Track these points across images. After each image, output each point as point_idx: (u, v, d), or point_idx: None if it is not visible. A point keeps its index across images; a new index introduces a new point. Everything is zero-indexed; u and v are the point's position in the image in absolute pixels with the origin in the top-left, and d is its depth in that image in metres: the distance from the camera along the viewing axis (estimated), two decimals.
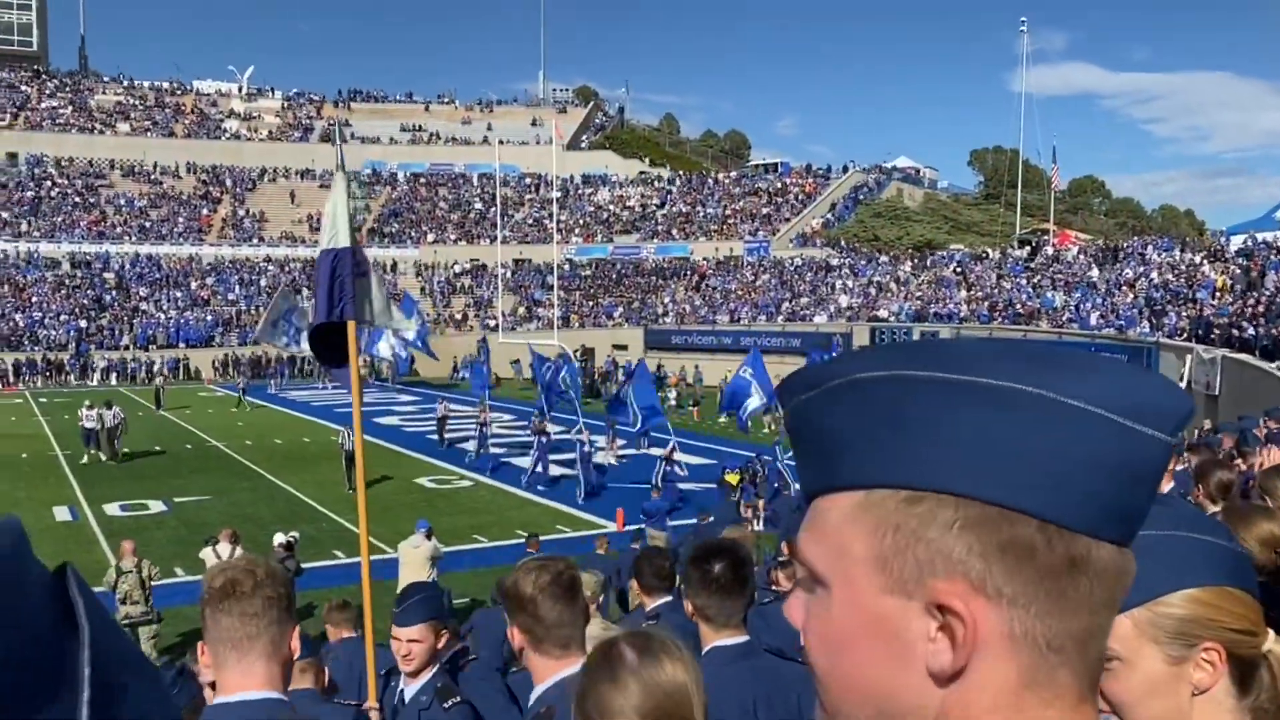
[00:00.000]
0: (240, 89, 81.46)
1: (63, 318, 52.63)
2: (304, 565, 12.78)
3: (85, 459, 25.56)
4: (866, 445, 0.65)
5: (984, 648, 0.62)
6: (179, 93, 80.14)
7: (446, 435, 28.52)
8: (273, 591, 2.03)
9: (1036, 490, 0.61)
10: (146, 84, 80.00)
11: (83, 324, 52.35)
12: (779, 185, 69.63)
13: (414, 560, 12.25)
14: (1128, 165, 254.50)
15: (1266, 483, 3.64)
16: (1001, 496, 0.62)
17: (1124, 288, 35.49)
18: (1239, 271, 31.76)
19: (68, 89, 77.21)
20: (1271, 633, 1.19)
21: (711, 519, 16.03)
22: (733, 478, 17.46)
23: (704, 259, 61.14)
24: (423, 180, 74.40)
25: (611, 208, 71.25)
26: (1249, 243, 35.04)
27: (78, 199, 64.81)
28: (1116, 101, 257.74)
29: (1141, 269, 36.66)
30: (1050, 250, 43.94)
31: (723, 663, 2.72)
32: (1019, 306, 37.77)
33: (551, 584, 2.43)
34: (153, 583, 11.70)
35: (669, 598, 4.19)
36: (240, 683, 2.01)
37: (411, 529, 18.20)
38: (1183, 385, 15.26)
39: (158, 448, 28.11)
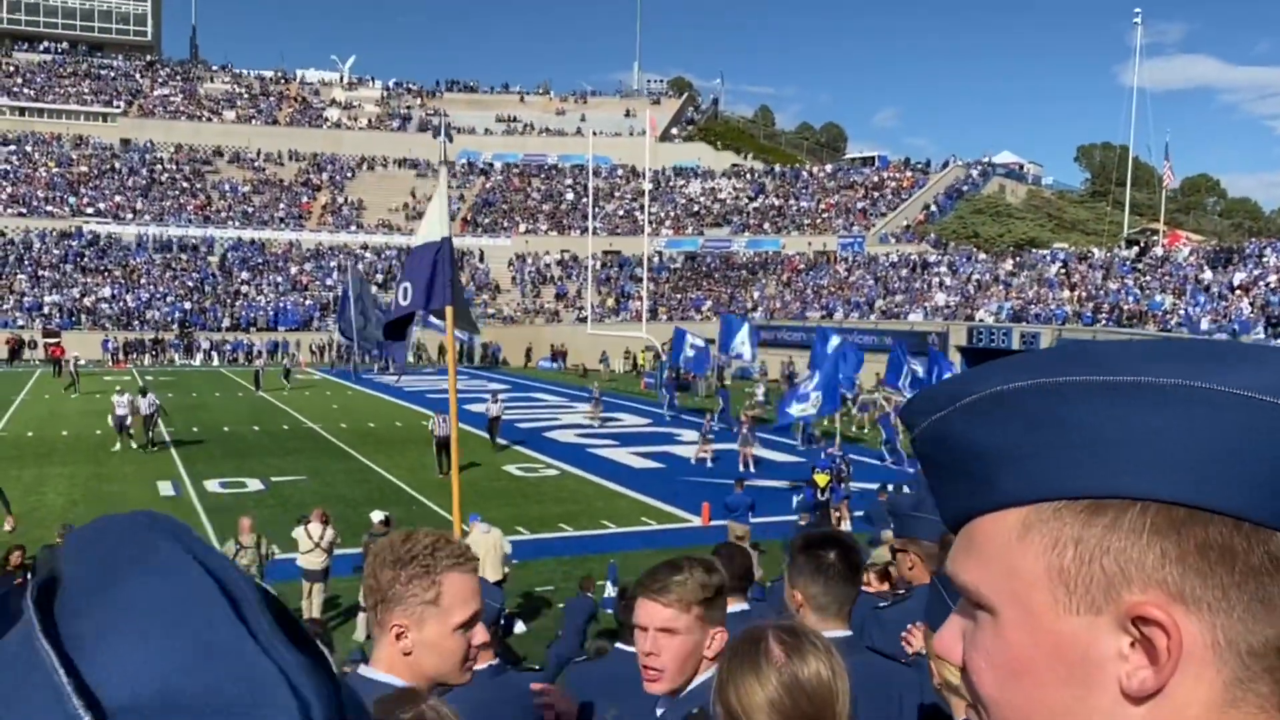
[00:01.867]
0: (341, 79, 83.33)
1: (169, 299, 54.52)
2: None
3: (117, 446, 24.40)
4: (1027, 458, 0.62)
5: (1187, 660, 0.58)
6: (283, 82, 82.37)
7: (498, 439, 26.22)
8: (381, 570, 1.89)
9: (1226, 487, 0.58)
10: (252, 73, 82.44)
11: (187, 306, 54.15)
12: (875, 179, 68.43)
13: (486, 546, 12.27)
14: (1246, 163, 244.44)
15: None
16: (1192, 496, 0.58)
17: (1237, 291, 33.94)
18: None
19: (179, 78, 79.95)
20: None
21: (808, 520, 15.76)
22: (822, 478, 17.07)
23: (796, 253, 60.42)
24: (516, 170, 75.11)
25: (703, 200, 70.93)
26: None
27: (185, 184, 67.05)
28: (1235, 96, 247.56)
29: (1257, 272, 35.01)
30: (1159, 251, 42.28)
31: None
32: (1125, 308, 36.41)
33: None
34: (269, 560, 11.97)
35: (745, 605, 3.97)
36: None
37: (498, 517, 18.38)
38: None
39: (255, 428, 28.85)
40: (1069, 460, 0.60)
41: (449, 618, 1.83)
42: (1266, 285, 33.29)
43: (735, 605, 4.02)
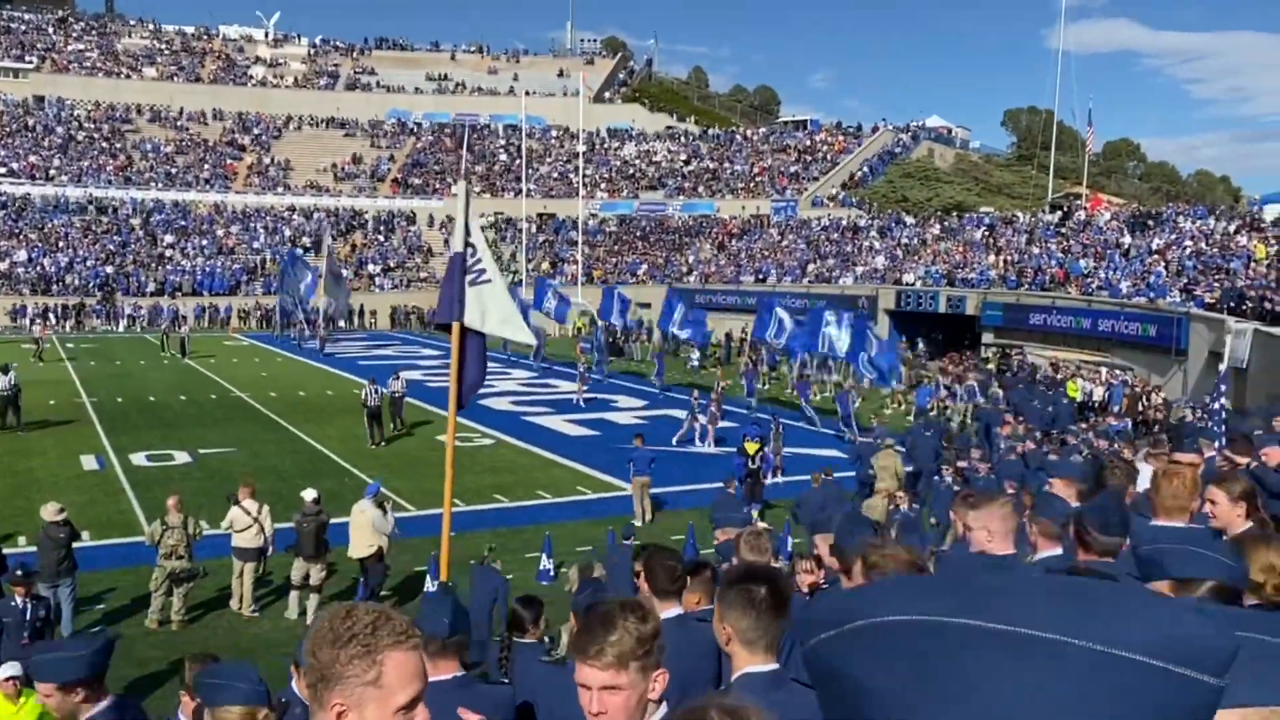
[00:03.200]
0: (266, 35, 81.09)
1: (89, 263, 52.96)
2: (331, 521, 12.86)
3: None
4: (892, 701, 0.60)
5: None
6: (205, 38, 79.88)
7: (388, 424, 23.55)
8: (319, 650, 1.81)
9: None
10: (173, 28, 79.77)
11: (108, 270, 52.68)
12: (808, 143, 68.84)
13: (360, 524, 12.29)
14: (1166, 127, 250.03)
15: None
16: None
17: (1155, 256, 34.97)
18: (1274, 242, 31.21)
19: (94, 32, 77.07)
20: None
21: (735, 488, 16.03)
22: (751, 446, 17.33)
23: (730, 217, 60.71)
24: (447, 131, 74.03)
25: (637, 163, 70.73)
26: None
27: (104, 144, 64.92)
28: (1157, 61, 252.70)
29: (1174, 237, 36.08)
30: (1082, 215, 43.30)
31: (756, 690, 2.66)
32: (1047, 272, 37.30)
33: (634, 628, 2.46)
34: (198, 539, 11.84)
35: (678, 609, 4.08)
36: None
37: (431, 488, 18.38)
38: (1223, 365, 14.89)
39: (182, 397, 28.35)
40: (928, 711, 0.59)
41: (391, 699, 1.74)
42: (1182, 250, 34.33)
43: (669, 610, 4.13)
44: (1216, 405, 11.70)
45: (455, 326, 8.37)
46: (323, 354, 38.87)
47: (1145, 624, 0.58)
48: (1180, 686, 0.57)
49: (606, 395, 30.79)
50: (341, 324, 47.70)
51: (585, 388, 29.66)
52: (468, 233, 8.34)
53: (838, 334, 28.53)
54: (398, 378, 24.54)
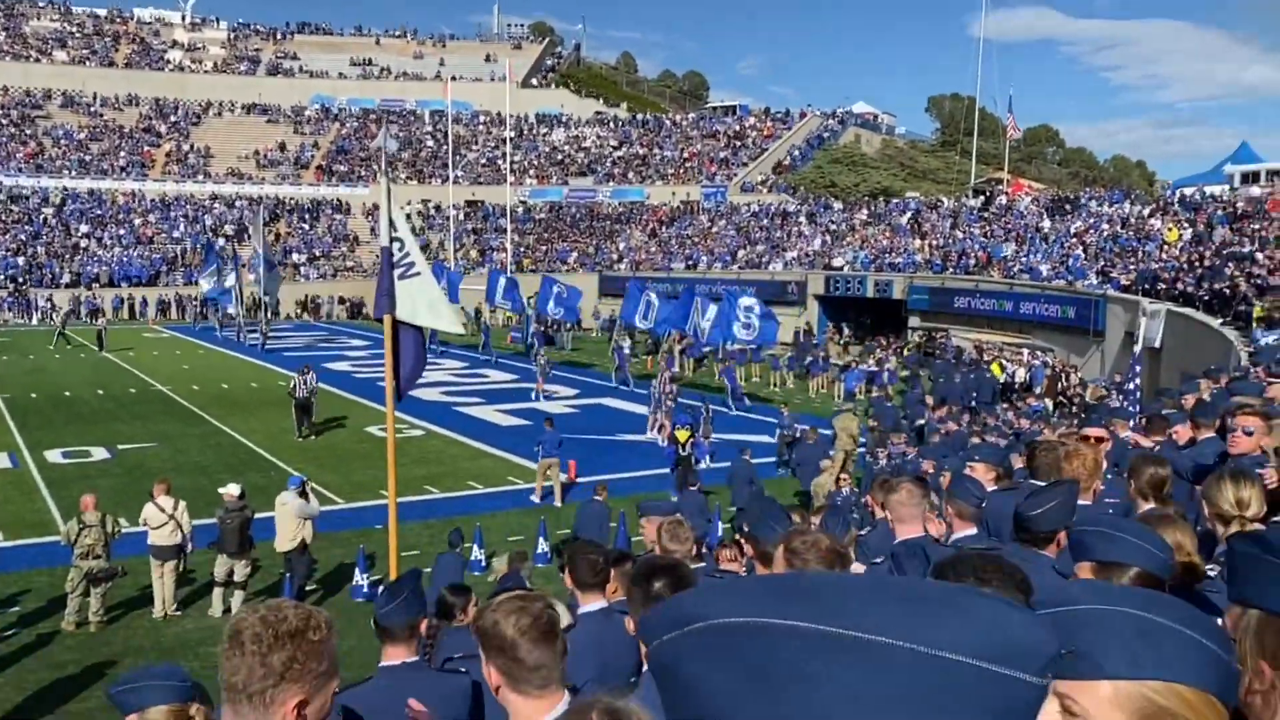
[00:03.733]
0: (184, 18, 78.84)
1: (0, 254, 51.13)
2: (255, 515, 12.60)
3: None
4: (731, 704, 0.61)
5: None
6: (119, 20, 77.37)
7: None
8: (272, 653, 1.88)
9: None
10: (84, 10, 77.11)
11: (20, 261, 50.92)
12: (737, 129, 69.14)
13: (284, 516, 12.12)
14: (1085, 114, 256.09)
15: (1208, 491, 3.63)
16: None
17: (1074, 239, 35.87)
18: (1187, 225, 32.22)
19: (1, 14, 74.18)
20: None
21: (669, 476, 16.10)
22: (682, 434, 17.38)
23: (661, 204, 60.76)
24: (373, 117, 72.83)
25: (566, 149, 70.39)
26: (1196, 196, 35.52)
27: (13, 130, 62.63)
28: (1076, 48, 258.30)
29: (1092, 221, 37.04)
30: (1004, 200, 44.22)
31: None
32: (972, 256, 38.05)
33: (532, 625, 2.43)
34: (116, 538, 11.50)
35: (602, 603, 4.09)
36: None
37: (361, 480, 18.17)
38: (1137, 346, 15.35)
39: (100, 391, 27.56)
40: (766, 713, 0.60)
41: (333, 683, 1.95)
42: (1100, 233, 35.26)
43: (592, 603, 4.14)
44: (1130, 385, 12.03)
45: (388, 320, 8.43)
46: (264, 350, 36.58)
47: (971, 625, 0.59)
48: (1004, 687, 0.59)
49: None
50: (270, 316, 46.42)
51: (544, 384, 28.35)
52: (393, 227, 8.40)
53: (703, 318, 29.07)
54: (306, 373, 22.47)
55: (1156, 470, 4.77)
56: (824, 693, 0.59)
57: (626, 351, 32.03)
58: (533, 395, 27.86)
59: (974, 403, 24.28)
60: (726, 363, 29.13)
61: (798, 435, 19.08)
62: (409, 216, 62.54)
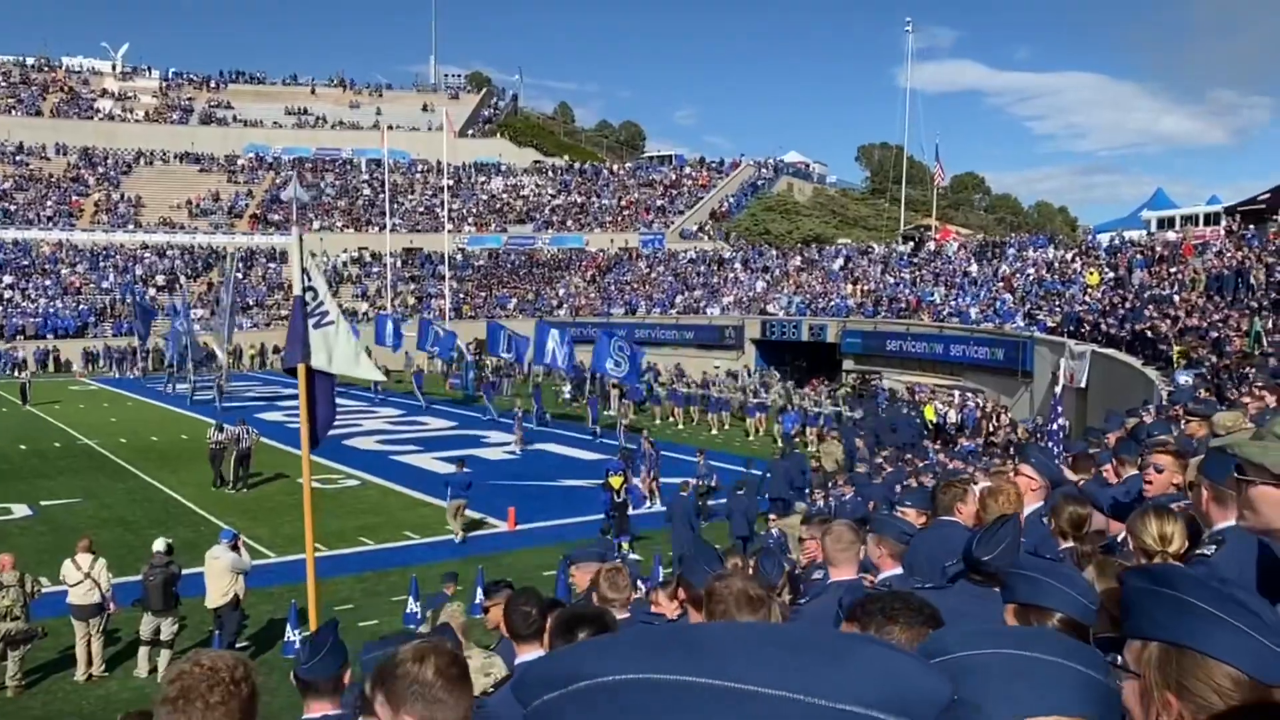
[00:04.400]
0: (114, 67, 77.89)
1: None
2: (183, 571, 12.31)
3: None
4: None
5: None
6: (47, 69, 76.19)
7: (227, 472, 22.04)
8: (231, 700, 1.90)
9: None
10: (10, 58, 75.79)
11: None
12: (674, 177, 70.02)
13: (215, 571, 11.89)
14: (1009, 162, 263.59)
15: (1132, 526, 3.69)
16: None
17: (1001, 283, 36.81)
18: (1108, 269, 33.26)
19: None
20: None
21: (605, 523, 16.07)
22: (615, 480, 17.36)
23: (599, 250, 61.14)
24: (308, 165, 72.41)
25: (505, 197, 70.61)
26: (1116, 240, 36.73)
27: None
28: (999, 99, 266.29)
29: (1018, 265, 38.07)
30: (932, 246, 45.27)
31: None
32: (903, 300, 38.82)
33: (445, 669, 2.39)
34: (36, 598, 11.14)
35: (539, 651, 4.06)
36: None
37: (292, 533, 17.83)
38: (1058, 386, 15.76)
39: (22, 446, 26.77)
40: None
41: None
42: (1026, 277, 36.24)
43: (529, 653, 4.09)
44: (1054, 426, 12.33)
45: (301, 369, 8.43)
46: (220, 406, 33.09)
47: (864, 675, 0.58)
48: None
49: (475, 431, 30.48)
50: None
51: (522, 436, 27.60)
52: (307, 276, 8.47)
53: (559, 349, 33.03)
54: (242, 424, 22.45)
55: (1075, 510, 4.82)
56: None
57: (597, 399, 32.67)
58: (513, 449, 27.09)
59: (900, 444, 24.68)
60: (593, 394, 32.53)
61: (713, 484, 19.18)
62: (346, 263, 62.10)
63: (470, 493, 17.97)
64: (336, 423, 32.55)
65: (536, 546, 17.20)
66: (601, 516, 17.73)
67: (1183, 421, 9.32)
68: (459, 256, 61.68)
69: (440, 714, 2.40)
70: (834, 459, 18.88)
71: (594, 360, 32.04)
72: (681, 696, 0.58)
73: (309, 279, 8.49)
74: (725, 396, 34.09)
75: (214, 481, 21.75)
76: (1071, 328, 28.53)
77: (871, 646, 0.62)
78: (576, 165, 75.03)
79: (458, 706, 2.39)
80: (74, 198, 63.63)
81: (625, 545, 16.14)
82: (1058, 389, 14.03)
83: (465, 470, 18.28)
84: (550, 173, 73.88)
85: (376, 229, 62.92)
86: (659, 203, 66.17)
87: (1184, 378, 17.69)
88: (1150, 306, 26.60)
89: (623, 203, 67.31)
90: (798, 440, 28.37)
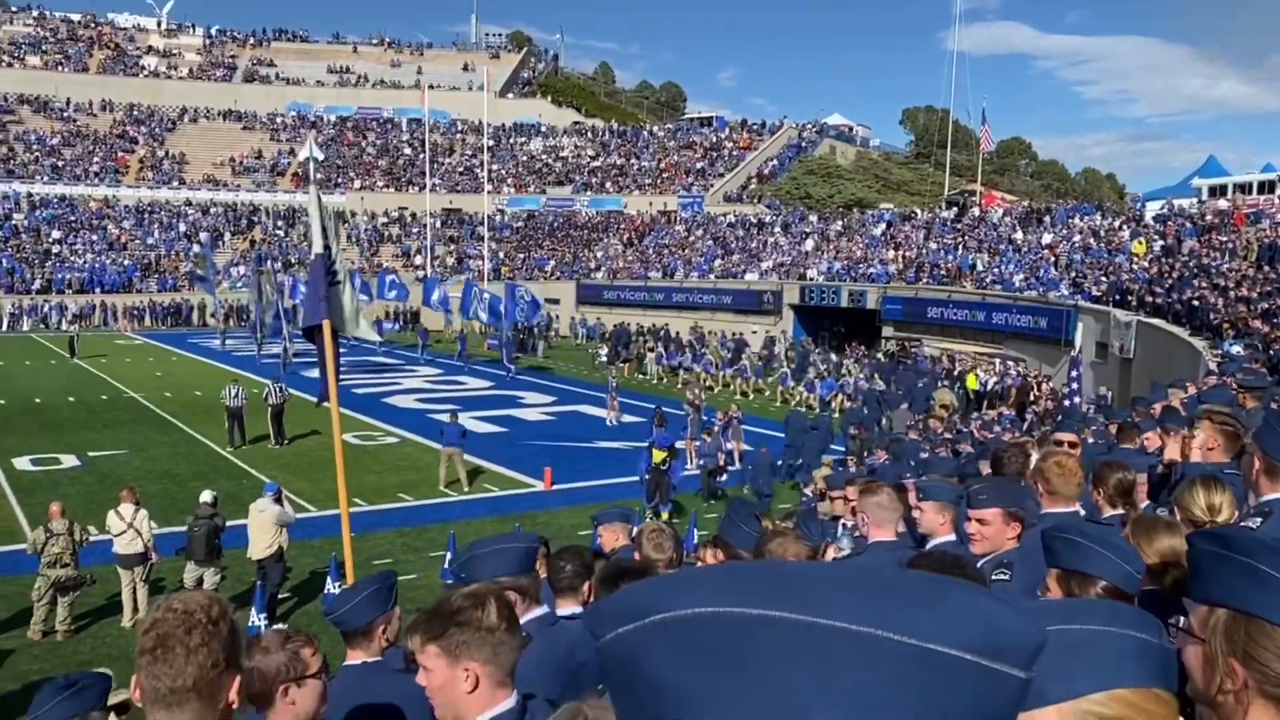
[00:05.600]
0: (159, 24, 78.38)
1: None
2: (227, 523, 12.53)
3: None
4: (703, 701, 0.57)
5: None
6: (93, 26, 76.83)
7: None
8: (212, 640, 1.89)
9: None
10: (58, 15, 76.53)
11: None
12: (714, 139, 69.42)
13: (260, 523, 12.04)
14: (1057, 127, 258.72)
15: (1180, 497, 3.62)
16: None
17: (1046, 251, 36.22)
18: (1156, 237, 32.61)
19: None
20: None
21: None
22: (659, 455, 17.24)
23: (638, 213, 60.90)
24: (350, 124, 72.65)
25: (544, 158, 70.44)
26: (1165, 209, 35.96)
27: None
28: (1048, 63, 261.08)
29: (1064, 233, 37.43)
30: (976, 212, 44.61)
31: None
32: (944, 267, 38.34)
33: (505, 613, 2.42)
34: (84, 546, 11.41)
35: (576, 606, 4.04)
36: None
37: (333, 488, 18.04)
38: (1116, 350, 15.41)
39: (71, 399, 27.29)
40: (744, 710, 0.57)
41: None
42: (1071, 245, 35.63)
43: (568, 607, 4.08)
44: (1075, 400, 12.05)
45: (326, 326, 8.47)
46: (261, 361, 33.07)
47: (956, 618, 0.57)
48: (989, 680, 0.57)
49: (513, 392, 30.64)
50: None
51: (617, 406, 25.94)
52: (325, 234, 8.48)
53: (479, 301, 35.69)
54: (279, 385, 22.38)
55: (1123, 475, 4.68)
56: (802, 687, 0.56)
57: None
58: (608, 421, 25.58)
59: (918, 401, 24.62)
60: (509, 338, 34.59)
61: (721, 464, 18.77)
62: (385, 223, 62.41)
63: (465, 441, 18.75)
64: (377, 381, 32.89)
65: (573, 506, 17.30)
66: (636, 480, 17.68)
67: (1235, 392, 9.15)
68: (498, 218, 61.73)
69: (504, 658, 2.40)
70: (946, 406, 18.78)
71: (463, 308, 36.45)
72: (766, 631, 0.57)
73: (327, 235, 8.52)
74: (758, 365, 33.87)
75: (230, 440, 21.54)
76: (1117, 297, 28.06)
77: (964, 590, 0.60)
78: (616, 127, 74.63)
79: (516, 649, 2.40)
80: (119, 154, 64.32)
81: (665, 515, 16.18)
82: (1075, 354, 13.78)
83: (458, 422, 19.07)
84: (590, 134, 73.55)
85: (416, 189, 63.10)
86: (698, 165, 65.69)
87: (1234, 348, 17.37)
88: (1199, 276, 26.07)
89: (662, 165, 66.90)
90: (834, 406, 28.28)
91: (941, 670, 0.56)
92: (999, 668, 0.57)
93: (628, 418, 25.70)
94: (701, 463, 18.80)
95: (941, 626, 0.57)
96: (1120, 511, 4.63)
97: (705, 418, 22.51)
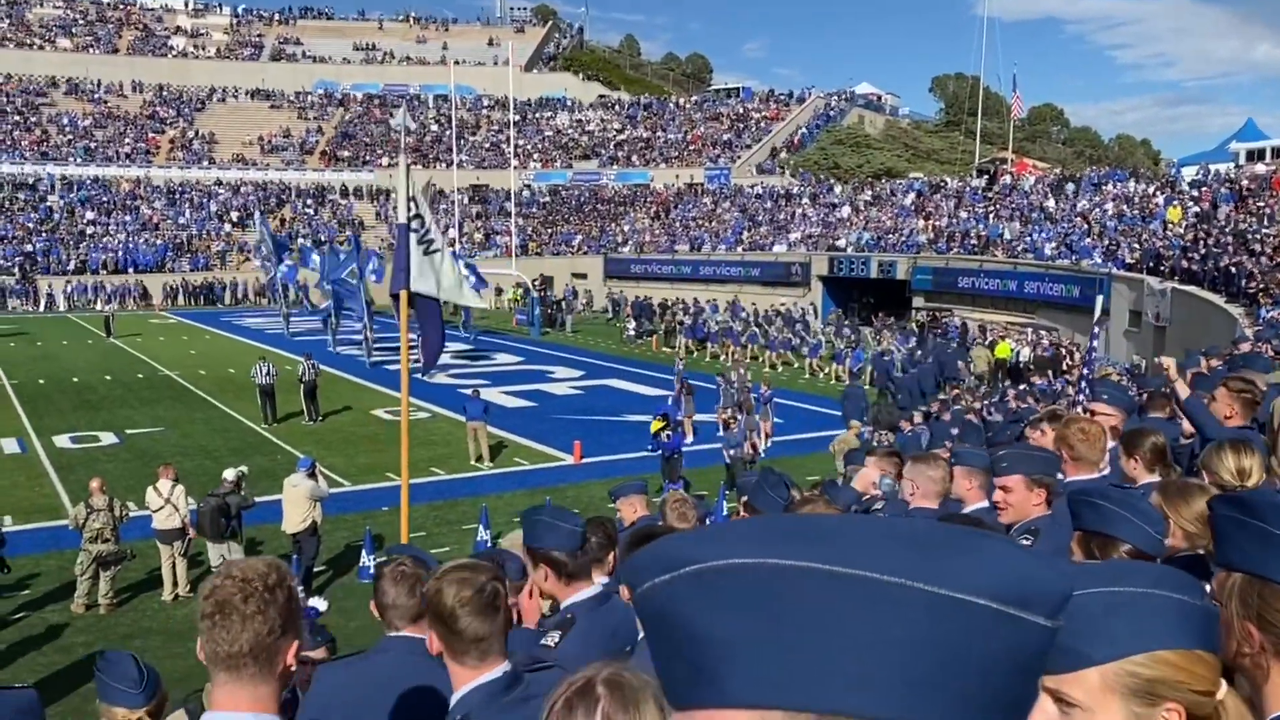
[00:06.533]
0: (186, 5, 78.71)
1: (8, 241, 51.28)
2: (258, 499, 12.71)
3: None
4: (749, 656, 0.58)
5: None
6: (121, 7, 77.26)
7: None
8: (269, 608, 1.98)
9: (935, 706, 0.56)
10: None
11: (27, 248, 51.08)
12: (740, 111, 68.93)
13: (294, 498, 12.17)
14: (1090, 93, 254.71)
15: (1208, 461, 3.58)
16: (901, 713, 0.56)
17: (1079, 218, 35.76)
18: (1192, 203, 32.10)
19: (4, 3, 74.11)
20: (1224, 683, 1.23)
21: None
22: (656, 424, 17.29)
23: (664, 185, 60.69)
24: (376, 101, 72.77)
25: (570, 132, 70.26)
26: (1201, 174, 35.36)
27: (17, 118, 62.68)
28: (1081, 27, 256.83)
29: (1096, 200, 36.93)
30: (1008, 180, 44.08)
31: None
32: (974, 237, 37.97)
33: (473, 598, 2.43)
34: (125, 521, 11.64)
35: (604, 577, 4.03)
36: (229, 702, 1.97)
37: (366, 463, 18.30)
38: (1151, 317, 15.22)
39: (107, 377, 27.71)
40: (793, 663, 0.57)
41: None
42: (1104, 212, 35.15)
43: (598, 577, 4.11)
44: (1088, 370, 11.91)
45: (404, 295, 8.61)
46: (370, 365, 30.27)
47: (985, 567, 0.58)
48: (1018, 629, 0.58)
49: (542, 366, 30.77)
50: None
51: (688, 396, 22.08)
52: (416, 204, 8.65)
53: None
54: (307, 357, 22.52)
55: (1156, 439, 4.60)
56: (836, 636, 0.57)
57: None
58: (670, 403, 21.38)
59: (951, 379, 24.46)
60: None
61: (749, 454, 17.21)
62: (433, 197, 62.58)
63: (488, 416, 19.01)
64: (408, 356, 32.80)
65: (603, 479, 17.38)
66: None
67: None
68: (525, 193, 61.73)
69: (456, 641, 2.49)
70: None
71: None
72: (800, 581, 0.58)
73: (418, 206, 8.69)
74: (786, 337, 33.48)
75: (264, 417, 21.80)
76: (1151, 264, 27.69)
77: (994, 542, 0.61)
78: (642, 99, 74.26)
79: (479, 632, 2.45)
80: (150, 135, 64.83)
81: (682, 490, 16.17)
82: (1093, 321, 13.59)
83: (480, 397, 19.24)
84: (616, 107, 73.24)
85: (443, 165, 63.18)
86: (725, 137, 65.28)
87: (1272, 314, 17.11)
88: (1236, 242, 25.67)
89: (688, 137, 66.54)
90: (862, 378, 28.18)
91: (972, 620, 0.57)
92: (1028, 617, 0.58)
93: (660, 392, 25.64)
94: (733, 452, 17.88)
95: (972, 577, 0.58)
96: (1157, 477, 4.59)
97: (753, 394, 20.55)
